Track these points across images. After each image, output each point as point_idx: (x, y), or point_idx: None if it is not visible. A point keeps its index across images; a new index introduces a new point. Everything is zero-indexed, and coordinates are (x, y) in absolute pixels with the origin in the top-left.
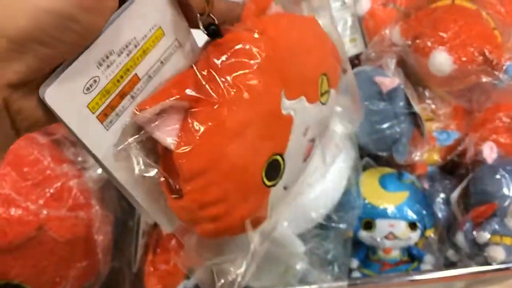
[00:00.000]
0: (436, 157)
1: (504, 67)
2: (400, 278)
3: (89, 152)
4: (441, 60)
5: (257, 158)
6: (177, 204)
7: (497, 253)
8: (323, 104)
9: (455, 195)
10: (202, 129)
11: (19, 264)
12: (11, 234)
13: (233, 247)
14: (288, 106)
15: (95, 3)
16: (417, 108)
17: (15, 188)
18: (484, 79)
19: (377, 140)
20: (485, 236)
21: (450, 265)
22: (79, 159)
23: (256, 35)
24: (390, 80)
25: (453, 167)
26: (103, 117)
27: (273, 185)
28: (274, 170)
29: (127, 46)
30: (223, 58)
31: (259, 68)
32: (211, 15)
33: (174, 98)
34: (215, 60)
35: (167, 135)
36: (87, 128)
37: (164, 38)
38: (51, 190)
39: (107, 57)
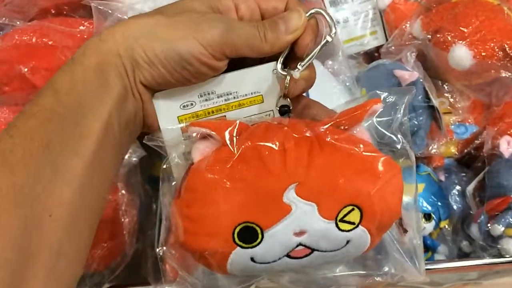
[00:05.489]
0: (453, 150)
1: None
2: None
3: (161, 146)
4: (461, 55)
5: (238, 213)
6: (173, 202)
7: (510, 245)
8: (340, 229)
9: (470, 187)
10: (212, 163)
11: None
12: None
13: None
14: (292, 199)
15: (211, 64)
16: (435, 101)
17: None
18: (504, 74)
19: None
20: (499, 229)
21: (464, 256)
22: None
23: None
24: (410, 74)
25: (470, 160)
26: (185, 129)
27: (240, 246)
28: (248, 234)
29: (227, 94)
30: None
31: (282, 151)
32: (288, 99)
33: (213, 131)
34: (254, 129)
35: (197, 152)
36: (170, 130)
37: (262, 104)
38: None
39: (208, 94)
